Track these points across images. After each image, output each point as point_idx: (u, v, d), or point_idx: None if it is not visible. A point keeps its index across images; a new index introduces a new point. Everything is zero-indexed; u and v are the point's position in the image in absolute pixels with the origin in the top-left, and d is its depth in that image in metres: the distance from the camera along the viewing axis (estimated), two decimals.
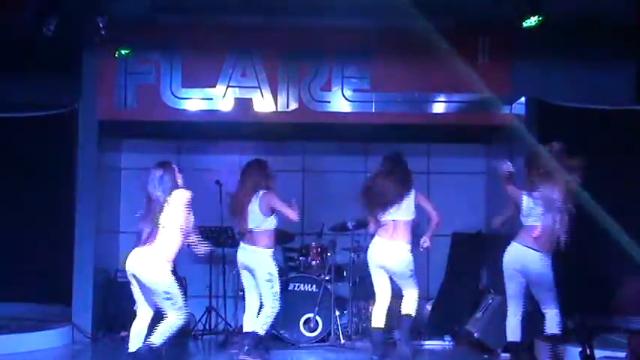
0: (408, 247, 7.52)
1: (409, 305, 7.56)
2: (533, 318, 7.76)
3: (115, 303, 8.92)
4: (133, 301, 8.75)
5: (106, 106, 9.05)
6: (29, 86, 9.19)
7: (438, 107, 9.26)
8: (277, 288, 7.47)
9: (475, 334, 8.05)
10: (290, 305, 8.52)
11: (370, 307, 9.18)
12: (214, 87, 9.11)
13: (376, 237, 7.57)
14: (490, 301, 8.23)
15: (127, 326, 8.59)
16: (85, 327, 8.67)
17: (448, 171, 9.85)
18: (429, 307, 9.04)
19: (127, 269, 6.55)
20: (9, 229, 9.10)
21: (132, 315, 8.46)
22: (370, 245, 7.62)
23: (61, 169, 9.03)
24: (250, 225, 7.52)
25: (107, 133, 9.15)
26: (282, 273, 8.86)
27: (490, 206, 9.58)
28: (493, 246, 9.24)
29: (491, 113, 9.12)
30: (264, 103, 9.12)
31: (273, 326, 8.25)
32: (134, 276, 6.52)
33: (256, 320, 7.51)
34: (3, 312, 8.92)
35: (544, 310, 7.00)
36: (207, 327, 9.12)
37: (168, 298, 6.40)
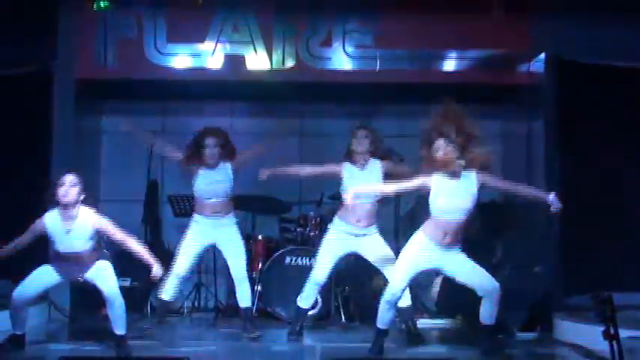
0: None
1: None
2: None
3: None
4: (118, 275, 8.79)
5: (84, 63, 9.02)
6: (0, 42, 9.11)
7: (449, 65, 9.28)
8: None
9: None
10: (286, 281, 8.63)
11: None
12: (203, 43, 9.09)
13: None
14: (506, 275, 8.22)
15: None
16: (62, 304, 8.67)
17: None
18: (439, 283, 8.99)
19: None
20: None
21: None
22: None
23: (35, 134, 8.96)
24: None
25: (86, 93, 9.07)
26: (278, 245, 8.96)
27: (505, 172, 9.44)
28: (509, 216, 9.30)
29: (508, 71, 9.15)
30: (257, 60, 9.11)
31: (266, 303, 8.34)
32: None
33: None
34: None
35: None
36: (196, 304, 9.16)
37: None
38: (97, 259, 7.13)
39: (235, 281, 7.88)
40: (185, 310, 9.08)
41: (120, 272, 8.84)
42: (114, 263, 9.01)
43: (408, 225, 9.11)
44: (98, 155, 9.87)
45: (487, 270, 8.15)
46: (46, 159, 8.83)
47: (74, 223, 6.93)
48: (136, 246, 7.09)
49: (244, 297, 7.88)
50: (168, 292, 7.90)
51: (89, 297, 8.81)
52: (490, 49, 9.13)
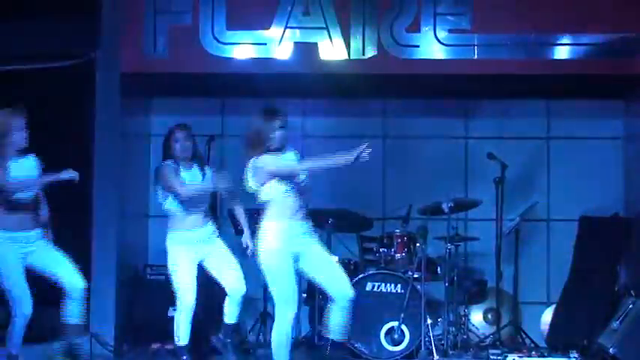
0: None
1: None
2: None
3: (145, 307, 8.98)
4: (167, 304, 8.81)
5: (130, 55, 9.06)
6: (33, 32, 9.14)
7: (561, 52, 9.11)
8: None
9: (610, 350, 7.90)
10: (368, 311, 8.49)
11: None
12: (268, 29, 9.06)
13: None
14: (630, 306, 8.08)
15: (159, 337, 8.67)
16: (106, 338, 8.65)
17: (574, 135, 9.74)
18: (549, 315, 8.93)
19: None
20: None
21: (166, 321, 8.51)
22: None
23: (74, 136, 9.02)
24: None
25: (133, 89, 9.16)
26: (357, 269, 8.85)
27: (630, 181, 9.41)
28: (635, 233, 9.09)
29: (632, 59, 8.95)
30: (332, 49, 9.05)
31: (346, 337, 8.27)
32: None
33: None
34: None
35: None
36: (260, 339, 9.10)
37: None
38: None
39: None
40: (249, 346, 9.02)
41: (170, 301, 8.86)
42: (165, 290, 9.06)
43: (513, 244, 9.03)
44: (147, 161, 9.85)
45: (607, 299, 8.04)
46: (88, 165, 8.87)
47: None
48: None
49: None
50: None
51: (138, 327, 8.88)
52: (611, 33, 8.94)
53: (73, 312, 7.22)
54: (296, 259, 6.71)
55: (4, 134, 7.12)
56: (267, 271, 6.72)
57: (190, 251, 7.59)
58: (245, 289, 7.60)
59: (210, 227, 7.72)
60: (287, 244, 6.64)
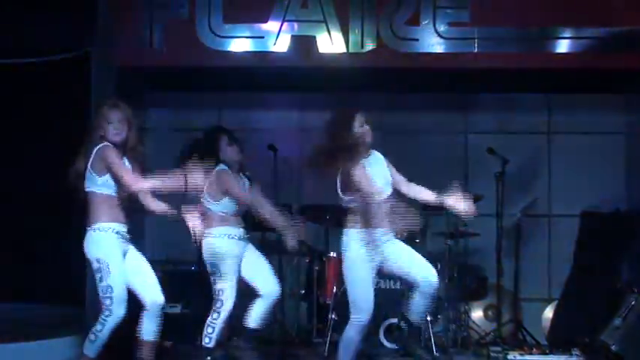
0: None
1: None
2: None
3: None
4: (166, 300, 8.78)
5: (127, 48, 9.05)
6: (29, 25, 9.18)
7: (562, 46, 9.11)
8: None
9: (612, 347, 7.88)
10: None
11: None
12: (266, 22, 9.06)
13: None
14: (633, 303, 8.06)
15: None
16: None
17: (575, 130, 9.75)
18: (550, 311, 8.97)
19: None
20: (7, 209, 9.10)
21: (167, 318, 8.50)
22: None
23: (70, 131, 8.96)
24: None
25: (128, 83, 9.06)
26: None
27: (632, 177, 9.41)
28: (637, 229, 9.08)
29: (634, 54, 8.94)
30: (331, 42, 9.05)
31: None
32: None
33: None
34: (3, 315, 8.92)
35: None
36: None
37: None
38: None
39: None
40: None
41: (168, 297, 8.81)
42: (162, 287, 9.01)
43: (514, 240, 9.01)
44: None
45: (609, 296, 8.01)
46: (84, 160, 8.79)
47: None
48: None
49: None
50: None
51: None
52: (613, 27, 8.96)
53: (148, 328, 6.84)
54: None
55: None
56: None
57: (235, 248, 7.45)
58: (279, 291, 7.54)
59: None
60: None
